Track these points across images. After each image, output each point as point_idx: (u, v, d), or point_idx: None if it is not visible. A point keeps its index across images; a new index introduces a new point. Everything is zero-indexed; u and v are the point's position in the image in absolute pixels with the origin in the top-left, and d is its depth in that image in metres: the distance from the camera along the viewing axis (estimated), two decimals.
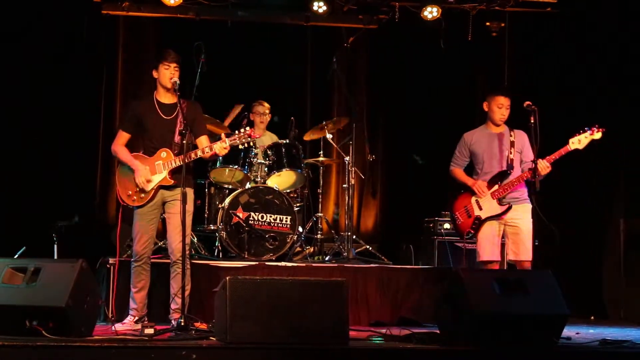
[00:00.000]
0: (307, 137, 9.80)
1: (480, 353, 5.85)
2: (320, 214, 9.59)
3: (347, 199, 9.38)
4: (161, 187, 6.94)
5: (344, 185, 9.47)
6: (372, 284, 8.28)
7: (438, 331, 6.43)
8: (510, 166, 7.54)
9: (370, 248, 9.56)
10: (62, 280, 5.84)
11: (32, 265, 6.01)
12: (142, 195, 6.94)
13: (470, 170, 7.87)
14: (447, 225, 9.49)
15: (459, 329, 6.07)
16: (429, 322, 7.82)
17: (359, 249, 9.44)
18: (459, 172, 7.86)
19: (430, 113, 10.96)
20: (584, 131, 7.34)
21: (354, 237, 9.36)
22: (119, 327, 6.69)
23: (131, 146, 7.16)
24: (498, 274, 6.81)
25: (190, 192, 6.88)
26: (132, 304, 7.03)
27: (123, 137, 7.11)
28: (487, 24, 10.83)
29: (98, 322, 6.44)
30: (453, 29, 10.66)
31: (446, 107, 11.01)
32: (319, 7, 10.41)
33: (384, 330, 6.86)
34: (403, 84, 11.20)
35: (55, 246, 8.37)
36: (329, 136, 9.52)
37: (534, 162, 7.16)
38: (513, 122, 7.76)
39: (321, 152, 9.60)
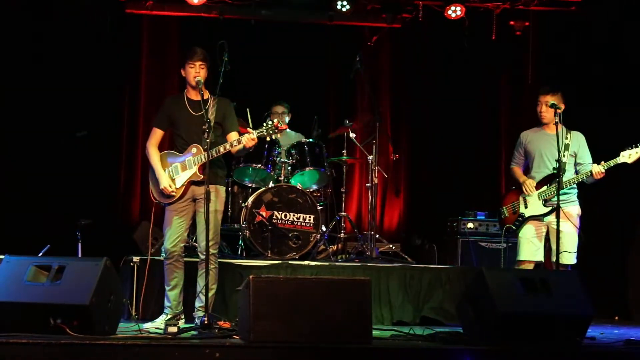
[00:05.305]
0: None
1: (504, 353, 5.83)
2: (343, 213, 9.57)
3: (370, 198, 9.36)
4: (192, 182, 6.96)
5: (368, 185, 9.45)
6: (395, 283, 8.25)
7: (461, 331, 6.42)
8: (562, 168, 7.46)
9: (394, 247, 9.54)
10: (86, 279, 5.86)
11: (56, 263, 6.03)
12: (173, 192, 6.97)
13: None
14: (470, 225, 9.46)
15: (483, 329, 6.05)
16: (452, 322, 7.80)
17: (382, 248, 9.42)
18: (516, 170, 7.88)
19: (454, 112, 10.93)
20: (636, 146, 7.26)
21: (377, 236, 9.34)
22: (150, 325, 6.74)
23: (165, 144, 7.23)
24: (522, 273, 6.78)
25: (221, 189, 6.95)
26: (166, 302, 7.03)
27: (157, 134, 7.15)
28: (511, 23, 10.77)
29: (122, 320, 6.46)
30: (477, 28, 10.63)
31: (470, 107, 10.99)
32: (343, 6, 10.41)
33: (406, 330, 6.84)
34: (426, 83, 11.18)
35: (79, 244, 8.39)
36: (352, 135, 9.51)
37: (558, 161, 7.12)
38: (535, 122, 7.74)
39: (344, 151, 9.59)
